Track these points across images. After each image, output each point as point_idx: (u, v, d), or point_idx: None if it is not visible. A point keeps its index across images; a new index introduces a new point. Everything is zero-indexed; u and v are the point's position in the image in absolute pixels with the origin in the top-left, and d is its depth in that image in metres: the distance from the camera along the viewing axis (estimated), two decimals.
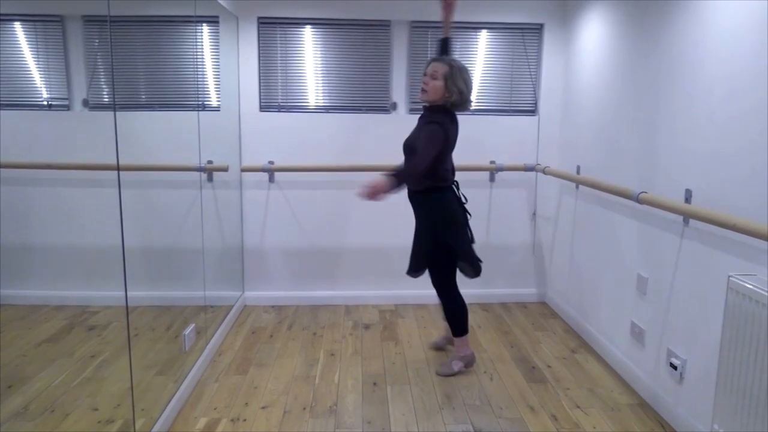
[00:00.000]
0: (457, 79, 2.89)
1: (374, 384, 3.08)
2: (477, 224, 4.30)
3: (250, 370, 3.22)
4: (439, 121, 2.89)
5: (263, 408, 2.82)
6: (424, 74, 2.94)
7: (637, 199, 2.83)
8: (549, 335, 3.77)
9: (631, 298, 3.09)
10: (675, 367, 2.63)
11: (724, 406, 2.15)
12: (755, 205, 2.15)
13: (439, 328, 3.86)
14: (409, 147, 3.00)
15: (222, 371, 3.19)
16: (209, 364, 3.27)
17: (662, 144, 2.78)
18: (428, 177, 2.96)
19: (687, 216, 2.55)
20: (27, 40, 1.85)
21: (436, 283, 3.18)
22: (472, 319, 4.03)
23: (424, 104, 3.02)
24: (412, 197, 3.09)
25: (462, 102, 2.94)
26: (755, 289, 1.98)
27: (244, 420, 2.70)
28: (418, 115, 3.08)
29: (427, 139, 2.86)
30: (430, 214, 3.05)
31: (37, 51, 1.87)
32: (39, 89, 1.91)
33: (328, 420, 2.72)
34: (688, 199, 2.55)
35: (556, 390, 3.03)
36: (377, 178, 2.81)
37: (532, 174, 4.27)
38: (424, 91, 2.93)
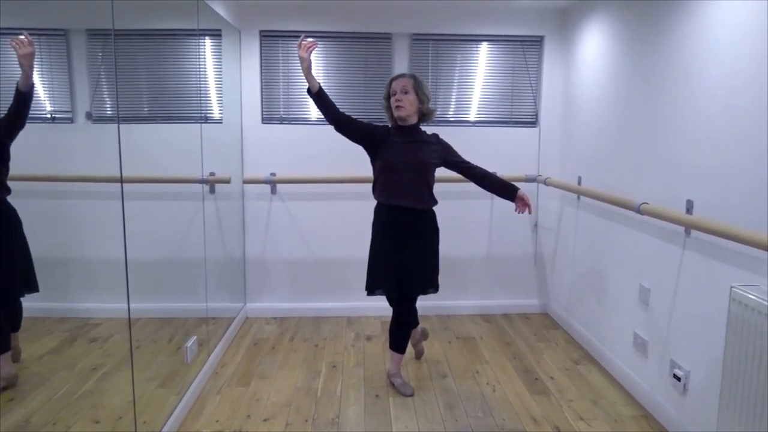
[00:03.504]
0: (423, 86, 2.98)
1: (376, 396, 3.07)
2: (479, 235, 4.30)
3: (252, 382, 3.21)
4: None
5: (265, 420, 2.81)
6: (392, 94, 2.96)
7: (639, 210, 2.83)
8: (552, 346, 3.76)
9: (633, 309, 3.08)
10: (678, 378, 2.61)
11: (728, 417, 2.14)
12: (757, 216, 2.15)
13: (440, 339, 3.85)
14: (429, 163, 3.00)
15: (224, 383, 3.19)
16: (211, 376, 3.26)
17: (663, 155, 2.78)
18: (432, 195, 3.07)
19: (689, 227, 2.55)
20: None
21: (414, 303, 3.14)
22: (476, 330, 4.02)
23: (403, 124, 3.00)
24: (418, 217, 3.02)
25: (431, 110, 3.03)
26: (758, 299, 1.98)
27: None
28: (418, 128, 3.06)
29: (457, 153, 3.12)
30: (436, 229, 3.12)
31: (41, 64, 1.89)
32: (43, 102, 1.92)
33: None
34: (689, 210, 2.55)
35: (559, 401, 3.01)
36: (522, 194, 3.06)
37: (533, 185, 4.28)
38: (400, 107, 2.93)
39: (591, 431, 2.72)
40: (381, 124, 3.09)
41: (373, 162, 3.06)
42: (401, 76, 3.00)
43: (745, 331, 2.03)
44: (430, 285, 3.11)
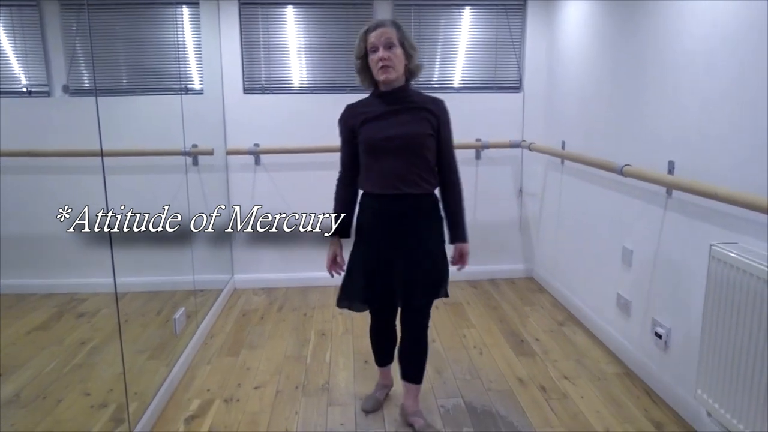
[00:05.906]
0: (409, 36, 2.26)
1: (365, 362, 3.11)
2: (465, 202, 4.31)
3: (241, 351, 3.24)
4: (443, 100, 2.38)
5: (256, 388, 2.84)
6: (371, 50, 2.21)
7: (621, 172, 2.86)
8: (537, 309, 3.82)
9: (616, 271, 3.13)
10: (660, 336, 2.67)
11: (708, 372, 2.20)
12: (737, 175, 2.18)
13: None
14: (422, 134, 2.28)
15: (214, 354, 3.21)
16: (201, 347, 3.29)
17: (645, 117, 2.80)
18: (432, 175, 2.40)
19: (670, 187, 2.58)
20: (3, 26, 1.82)
21: (426, 316, 2.49)
22: (462, 296, 4.07)
23: (387, 89, 2.28)
24: (414, 205, 2.35)
25: (419, 66, 2.32)
26: (737, 257, 2.02)
27: (237, 400, 2.73)
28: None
29: (451, 139, 2.41)
30: (439, 218, 2.49)
31: (14, 36, 1.85)
32: (17, 76, 1.89)
33: (321, 398, 2.76)
34: (671, 171, 2.57)
35: (544, 362, 3.07)
36: (463, 248, 2.49)
37: (517, 151, 4.29)
38: (388, 68, 2.19)
39: (575, 390, 2.79)
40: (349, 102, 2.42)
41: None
42: (380, 25, 2.21)
43: (724, 288, 2.08)
44: (439, 288, 2.51)
